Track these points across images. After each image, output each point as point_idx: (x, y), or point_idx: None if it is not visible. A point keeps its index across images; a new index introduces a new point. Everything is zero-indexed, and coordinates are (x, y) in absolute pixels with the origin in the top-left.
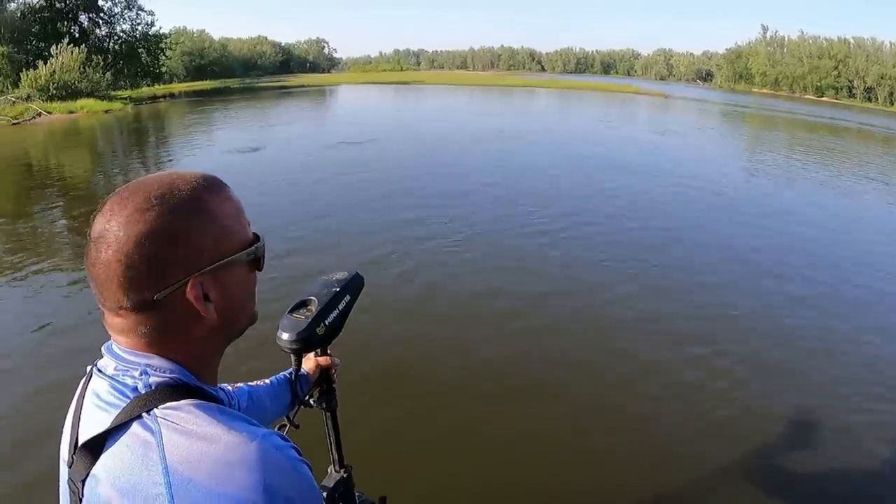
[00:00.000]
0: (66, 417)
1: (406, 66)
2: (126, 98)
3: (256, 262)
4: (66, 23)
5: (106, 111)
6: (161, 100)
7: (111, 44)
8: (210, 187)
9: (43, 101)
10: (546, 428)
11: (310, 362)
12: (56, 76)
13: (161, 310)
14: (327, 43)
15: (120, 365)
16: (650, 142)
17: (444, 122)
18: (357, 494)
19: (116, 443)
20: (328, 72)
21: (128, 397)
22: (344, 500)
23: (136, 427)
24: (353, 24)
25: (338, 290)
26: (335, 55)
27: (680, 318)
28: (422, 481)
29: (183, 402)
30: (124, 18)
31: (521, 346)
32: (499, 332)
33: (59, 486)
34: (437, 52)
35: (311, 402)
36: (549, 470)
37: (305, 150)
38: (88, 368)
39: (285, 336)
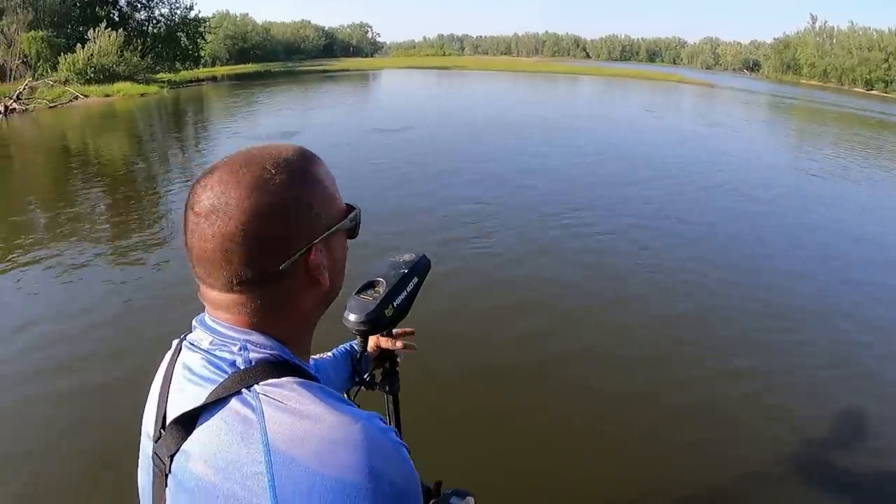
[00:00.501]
0: (149, 390)
1: (449, 52)
2: (164, 82)
3: (355, 230)
4: (105, 7)
5: (142, 95)
6: (202, 83)
7: (150, 27)
8: (312, 157)
9: (81, 84)
10: (589, 419)
11: (370, 343)
12: (94, 60)
13: (281, 281)
14: (370, 27)
15: (217, 339)
16: (695, 132)
17: (487, 109)
18: None
19: (213, 418)
20: (371, 56)
21: (225, 372)
22: None
23: (235, 403)
24: (398, 9)
25: (406, 271)
26: (378, 39)
27: (721, 319)
28: (476, 467)
29: (284, 379)
30: (163, 2)
31: (559, 338)
32: (534, 325)
33: (139, 461)
34: (481, 37)
35: (375, 384)
36: (596, 463)
37: (345, 134)
38: (175, 342)
39: (353, 317)
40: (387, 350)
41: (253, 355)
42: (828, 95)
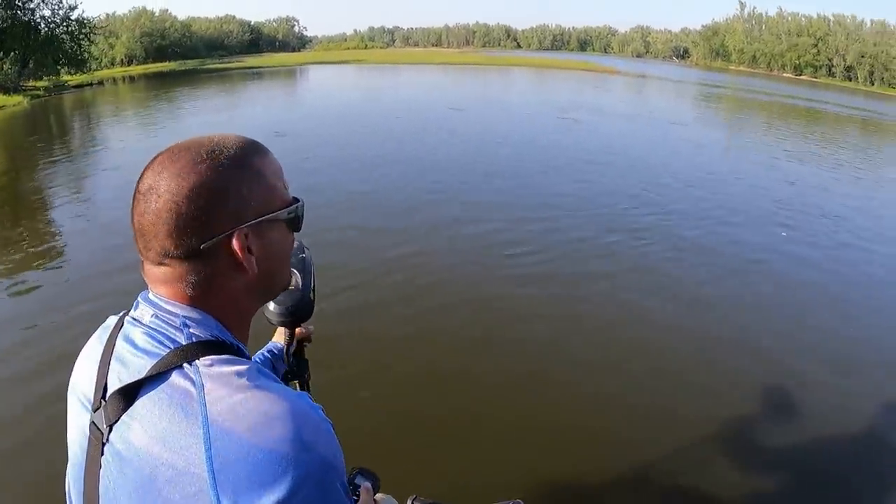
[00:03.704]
0: (81, 362)
1: (376, 45)
2: (41, 89)
3: (295, 222)
4: None
5: (0, 107)
6: (87, 87)
7: (31, 32)
8: (255, 147)
9: None
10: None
11: (280, 334)
12: None
13: (205, 260)
14: (297, 21)
15: (159, 313)
16: (612, 150)
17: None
18: None
19: (155, 391)
20: (298, 51)
21: (167, 347)
22: None
23: (176, 377)
24: (329, 1)
25: (305, 255)
26: (306, 33)
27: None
28: (401, 454)
29: (223, 356)
30: (45, 4)
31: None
32: (468, 315)
33: (70, 429)
34: (411, 29)
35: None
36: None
37: None
38: (114, 317)
39: (278, 309)
40: (301, 338)
41: (193, 331)
42: (758, 82)
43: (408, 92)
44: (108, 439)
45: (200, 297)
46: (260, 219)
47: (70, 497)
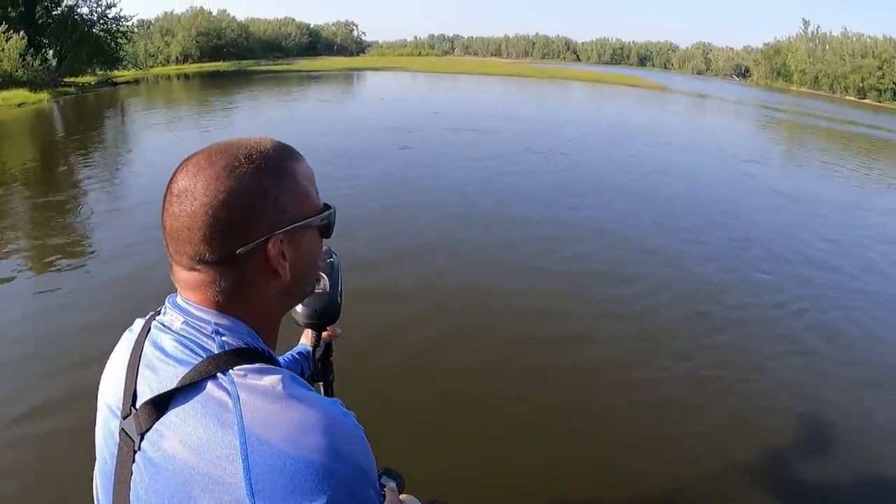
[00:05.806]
0: (110, 366)
1: (434, 52)
2: (76, 85)
3: (327, 229)
4: (12, 8)
5: (19, 104)
6: (132, 84)
7: (67, 28)
8: (291, 152)
9: None
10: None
11: (307, 336)
12: None
13: (239, 266)
14: (356, 26)
15: (189, 320)
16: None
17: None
18: None
19: (189, 401)
20: (357, 55)
21: (199, 355)
22: None
23: (210, 387)
24: (391, 8)
25: (333, 260)
26: (365, 38)
27: None
28: (421, 451)
29: (257, 365)
30: (83, 2)
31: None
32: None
33: (98, 436)
34: (471, 38)
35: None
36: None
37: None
38: (140, 321)
39: (305, 312)
40: (327, 339)
41: (226, 339)
42: (820, 105)
43: (444, 105)
44: (139, 447)
45: (232, 303)
46: (295, 224)
47: (98, 499)
